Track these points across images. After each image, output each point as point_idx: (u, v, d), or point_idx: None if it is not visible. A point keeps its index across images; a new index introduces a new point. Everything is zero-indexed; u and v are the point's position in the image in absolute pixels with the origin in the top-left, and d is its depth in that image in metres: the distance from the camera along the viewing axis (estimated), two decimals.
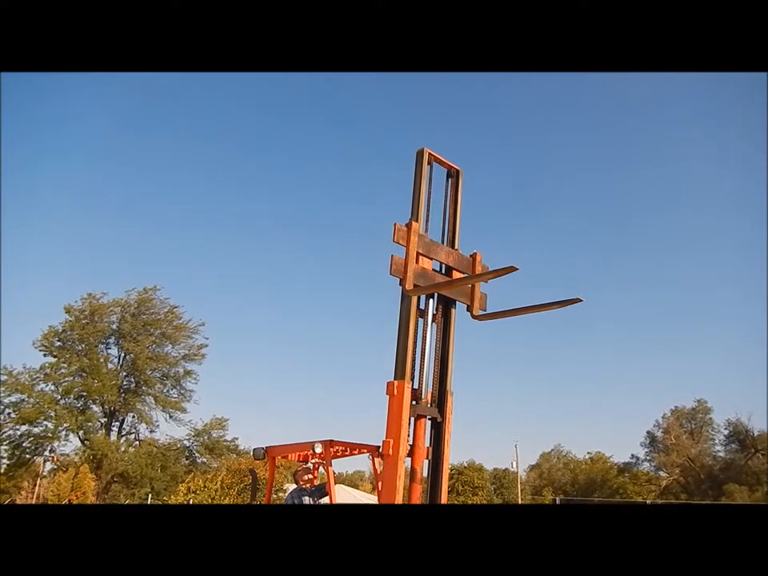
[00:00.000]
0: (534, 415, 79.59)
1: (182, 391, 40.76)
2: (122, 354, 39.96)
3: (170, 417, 40.08)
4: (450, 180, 8.95)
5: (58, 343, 38.38)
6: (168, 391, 40.57)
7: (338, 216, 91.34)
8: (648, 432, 55.51)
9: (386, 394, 7.55)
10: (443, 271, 8.61)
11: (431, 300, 8.40)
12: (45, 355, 37.72)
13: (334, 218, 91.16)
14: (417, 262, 8.01)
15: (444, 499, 7.55)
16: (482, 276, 8.20)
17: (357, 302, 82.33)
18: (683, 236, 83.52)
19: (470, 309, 8.59)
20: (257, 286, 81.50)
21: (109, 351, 40.30)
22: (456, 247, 8.70)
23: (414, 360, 7.85)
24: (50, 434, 37.14)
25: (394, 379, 7.57)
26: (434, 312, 8.38)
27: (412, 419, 7.80)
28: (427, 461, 7.92)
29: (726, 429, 53.27)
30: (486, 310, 8.77)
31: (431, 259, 8.37)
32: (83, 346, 38.53)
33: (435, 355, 8.28)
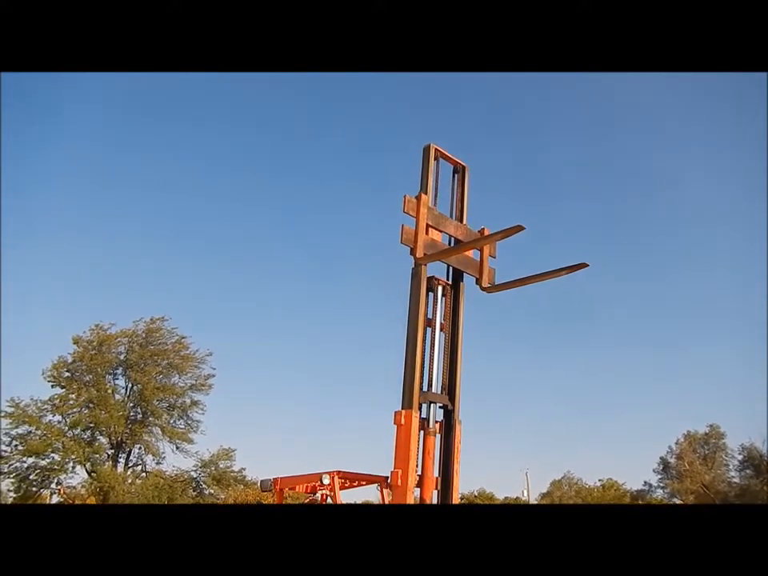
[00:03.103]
0: (544, 441, 78.41)
1: (189, 422, 40.35)
2: (130, 385, 39.74)
3: (177, 448, 39.64)
4: (456, 176, 9.08)
5: (67, 374, 38.24)
6: (175, 422, 40.21)
7: (346, 240, 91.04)
8: (661, 458, 54.60)
9: (394, 423, 7.46)
10: (452, 245, 8.70)
11: (437, 284, 8.44)
12: (53, 386, 37.53)
13: (342, 241, 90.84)
14: (426, 233, 8.07)
15: None
16: (491, 237, 8.21)
17: (367, 329, 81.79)
18: (698, 252, 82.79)
19: (479, 282, 8.66)
20: (265, 313, 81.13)
21: (116, 382, 40.07)
22: (464, 222, 8.78)
23: (422, 381, 7.82)
24: (56, 467, 36.84)
25: (402, 408, 7.50)
26: (443, 308, 8.43)
27: (423, 405, 7.79)
28: (436, 491, 7.82)
29: (739, 454, 52.38)
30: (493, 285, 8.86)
31: (440, 231, 8.47)
32: (91, 376, 38.37)
33: (443, 375, 8.26)
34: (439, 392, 8.10)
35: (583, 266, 7.88)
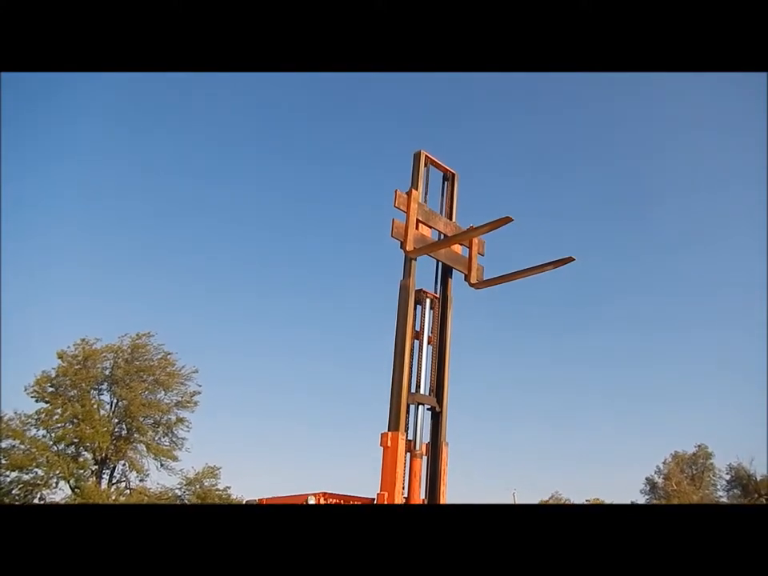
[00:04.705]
0: (531, 461, 77.88)
1: (174, 439, 40.07)
2: (115, 401, 39.47)
3: (162, 465, 39.36)
4: (445, 183, 9.32)
5: (51, 389, 37.95)
6: (160, 439, 39.92)
7: (335, 256, 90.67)
8: (647, 478, 54.67)
9: (380, 445, 7.44)
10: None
11: (425, 297, 8.43)
12: (36, 401, 37.25)
13: (331, 257, 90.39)
14: (416, 228, 8.16)
15: None
16: (479, 229, 8.35)
17: (356, 349, 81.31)
18: (685, 273, 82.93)
19: (467, 278, 8.78)
20: (252, 331, 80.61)
21: (101, 397, 39.76)
22: (454, 220, 8.87)
23: (410, 385, 7.81)
24: (40, 482, 36.45)
25: (388, 430, 7.48)
26: (431, 316, 8.47)
27: (411, 406, 7.79)
28: None
29: (727, 474, 52.57)
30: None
31: (430, 228, 8.67)
32: (75, 391, 38.09)
33: (431, 380, 8.28)
34: (427, 394, 8.12)
35: (569, 260, 8.01)
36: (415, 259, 8.10)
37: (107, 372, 39.34)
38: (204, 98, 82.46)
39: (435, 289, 8.74)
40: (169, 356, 40.36)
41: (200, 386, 40.75)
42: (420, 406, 8.00)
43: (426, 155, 8.67)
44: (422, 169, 8.58)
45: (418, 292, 8.33)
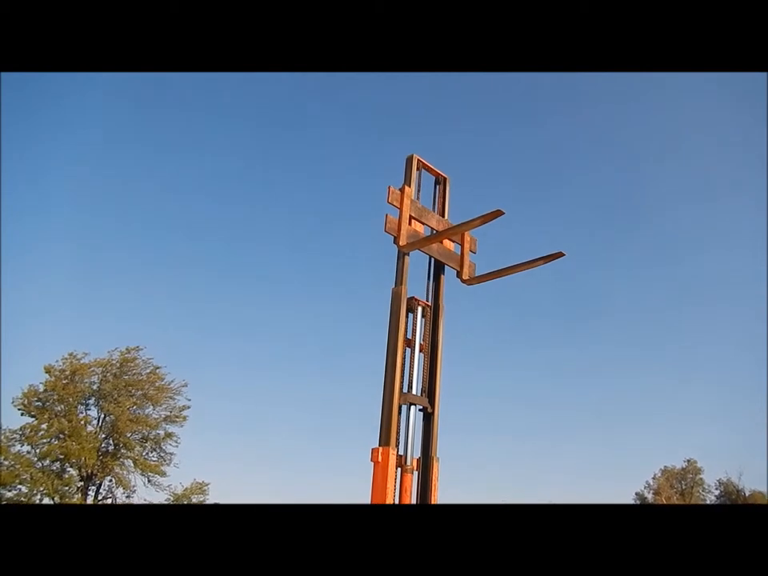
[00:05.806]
0: (519, 474, 77.44)
1: (162, 454, 39.73)
2: (102, 416, 39.11)
3: (149, 481, 38.99)
4: (437, 186, 9.36)
5: (38, 403, 37.60)
6: (147, 454, 39.57)
7: (326, 270, 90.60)
8: (637, 493, 54.83)
9: (371, 460, 7.39)
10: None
11: (417, 305, 8.48)
12: (22, 415, 36.90)
13: (321, 271, 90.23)
14: (409, 224, 8.29)
15: None
16: (472, 222, 8.33)
17: (347, 360, 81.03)
18: (681, 282, 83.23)
19: (459, 274, 8.85)
20: (243, 344, 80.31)
21: (88, 413, 39.39)
22: (446, 217, 9.04)
23: (401, 388, 7.80)
24: (23, 498, 36.02)
25: (379, 445, 7.44)
26: (423, 324, 8.48)
27: (403, 407, 7.77)
28: None
29: (716, 489, 52.83)
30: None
31: (423, 224, 8.68)
32: (62, 406, 37.74)
33: (423, 383, 8.27)
34: (419, 395, 8.10)
35: (560, 255, 8.09)
36: (408, 254, 8.16)
37: (95, 387, 39.04)
38: (201, 101, 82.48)
39: (427, 286, 8.78)
40: (158, 370, 40.06)
41: (189, 399, 40.49)
42: (412, 408, 7.95)
43: (418, 159, 8.77)
44: (414, 172, 8.66)
45: (410, 300, 8.34)
